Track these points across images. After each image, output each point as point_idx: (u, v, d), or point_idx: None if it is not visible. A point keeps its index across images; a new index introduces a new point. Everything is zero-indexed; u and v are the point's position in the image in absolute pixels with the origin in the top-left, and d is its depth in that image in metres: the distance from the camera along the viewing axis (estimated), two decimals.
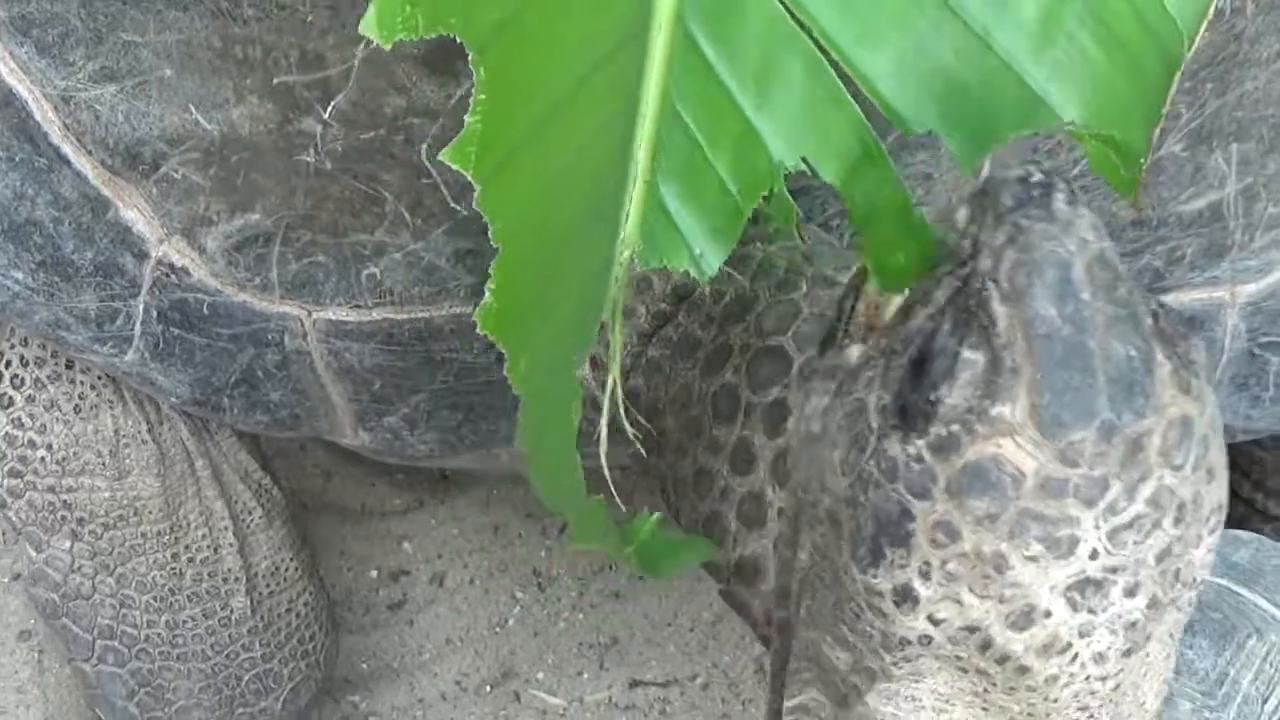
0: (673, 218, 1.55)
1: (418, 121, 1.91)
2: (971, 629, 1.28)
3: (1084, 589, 1.26)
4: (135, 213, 2.03)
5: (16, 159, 2.00)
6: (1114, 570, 1.26)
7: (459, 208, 1.97)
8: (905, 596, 1.28)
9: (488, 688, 2.69)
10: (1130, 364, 1.21)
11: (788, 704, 1.52)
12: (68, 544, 2.26)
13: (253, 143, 1.94)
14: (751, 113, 1.52)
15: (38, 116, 1.99)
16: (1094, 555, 1.24)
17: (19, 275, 2.03)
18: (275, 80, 1.92)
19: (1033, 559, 1.24)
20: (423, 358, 2.05)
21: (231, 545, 2.36)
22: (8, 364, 2.24)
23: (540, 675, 2.68)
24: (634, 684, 2.64)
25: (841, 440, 1.40)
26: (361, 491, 2.72)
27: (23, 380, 2.22)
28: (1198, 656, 1.74)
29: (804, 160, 1.51)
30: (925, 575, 1.27)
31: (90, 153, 1.99)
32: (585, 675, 2.70)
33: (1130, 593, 1.27)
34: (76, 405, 2.23)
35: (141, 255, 2.05)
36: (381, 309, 2.02)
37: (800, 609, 1.49)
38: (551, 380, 1.50)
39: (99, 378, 2.27)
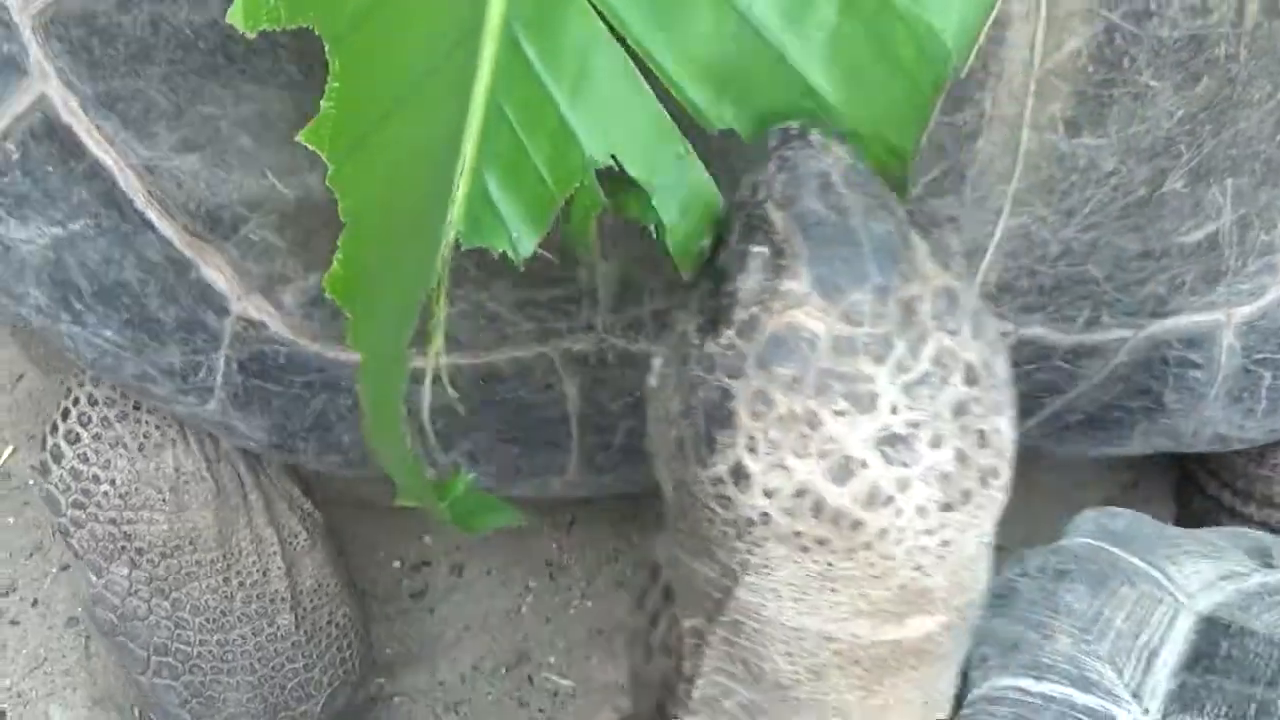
0: (494, 204, 1.61)
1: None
2: (800, 492, 1.34)
3: (893, 443, 1.34)
4: (216, 272, 2.03)
5: (104, 225, 2.00)
6: (915, 425, 1.34)
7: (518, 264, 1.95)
8: (739, 474, 1.36)
9: (503, 670, 2.73)
10: (890, 238, 1.35)
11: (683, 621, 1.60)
12: (126, 571, 2.27)
13: (327, 206, 1.93)
14: (567, 111, 1.59)
15: (123, 185, 1.99)
16: (894, 410, 1.33)
17: (108, 333, 2.03)
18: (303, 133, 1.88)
19: (840, 413, 1.32)
20: (484, 398, 2.04)
21: (279, 569, 2.37)
22: (75, 401, 2.23)
23: (552, 659, 2.73)
24: None
25: (673, 373, 1.50)
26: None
27: (90, 418, 2.21)
28: (1075, 599, 1.79)
29: (612, 157, 1.60)
30: (752, 449, 1.35)
31: (173, 218, 2.00)
32: (594, 659, 2.72)
33: (935, 444, 1.34)
34: (141, 444, 2.23)
35: (222, 311, 2.06)
36: (448, 355, 2.01)
37: (675, 545, 1.58)
38: (387, 344, 1.58)
39: (163, 418, 2.26)
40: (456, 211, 1.56)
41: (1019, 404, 2.24)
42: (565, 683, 2.71)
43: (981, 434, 1.37)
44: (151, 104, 1.95)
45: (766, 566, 1.41)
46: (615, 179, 1.62)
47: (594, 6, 1.54)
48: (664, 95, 1.57)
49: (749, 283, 1.36)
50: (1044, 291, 2.14)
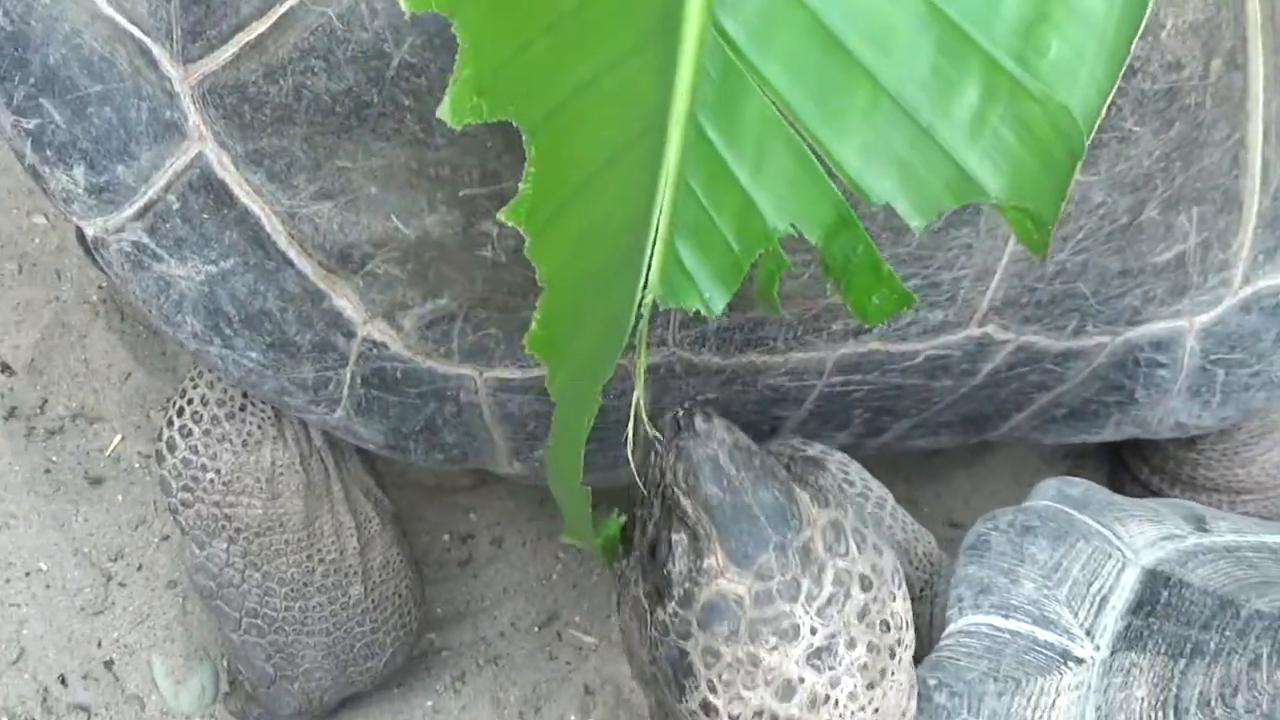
0: (687, 268, 1.63)
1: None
2: (759, 712, 1.48)
3: (819, 655, 1.47)
4: (345, 301, 2.08)
5: (251, 263, 2.05)
6: (832, 636, 1.47)
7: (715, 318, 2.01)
8: (707, 709, 1.50)
9: (536, 628, 2.76)
10: (776, 503, 1.47)
11: None
12: (225, 546, 2.33)
13: (442, 243, 2.01)
14: (749, 187, 1.60)
15: (268, 229, 2.05)
16: (814, 631, 1.47)
17: (253, 354, 2.09)
18: (461, 193, 1.99)
19: (774, 648, 1.46)
20: None
21: (354, 548, 2.41)
22: (190, 401, 2.28)
23: (578, 619, 2.74)
24: None
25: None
26: (437, 473, 2.76)
27: (201, 416, 2.26)
28: (1039, 551, 1.88)
29: (792, 225, 1.61)
30: (713, 689, 1.48)
31: (310, 255, 2.05)
32: (613, 619, 2.73)
33: (850, 646, 1.48)
34: (244, 440, 2.28)
35: (350, 334, 2.11)
36: (540, 367, 2.04)
37: None
38: (579, 392, 1.62)
39: (265, 418, 2.33)
40: (653, 275, 1.60)
41: (1015, 403, 2.31)
42: (589, 639, 2.74)
43: (884, 622, 1.53)
44: (293, 159, 2.02)
45: None
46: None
47: (766, 94, 1.55)
48: (832, 173, 1.58)
49: (678, 566, 1.49)
50: (1040, 305, 2.21)
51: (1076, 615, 1.75)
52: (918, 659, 1.74)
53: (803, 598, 1.45)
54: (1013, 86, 1.45)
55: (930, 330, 2.18)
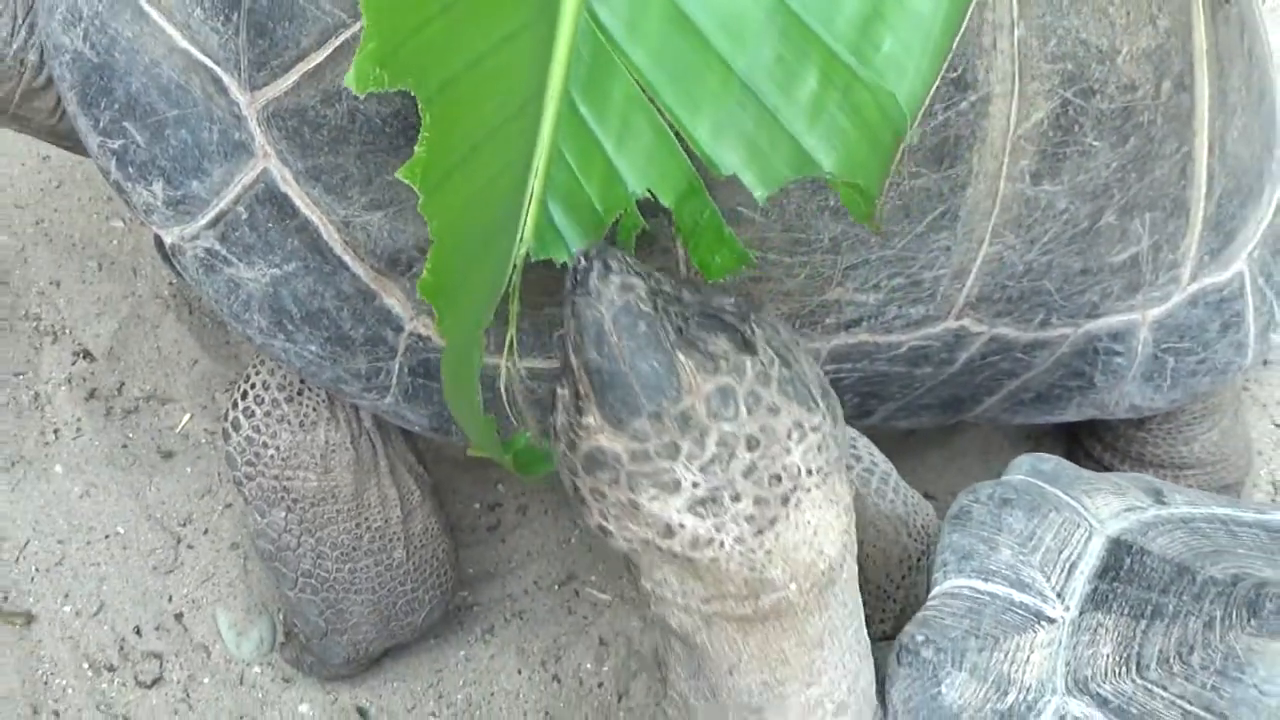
0: (557, 226, 1.66)
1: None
2: (646, 542, 1.44)
3: (703, 504, 1.41)
4: (394, 300, 2.09)
5: (310, 266, 2.06)
6: (716, 489, 1.41)
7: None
8: (603, 530, 1.47)
9: (556, 586, 2.75)
10: (653, 374, 1.39)
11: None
12: (283, 514, 2.34)
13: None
14: (613, 156, 1.64)
15: (325, 236, 2.05)
16: (695, 485, 1.41)
17: (313, 347, 2.10)
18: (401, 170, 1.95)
19: (654, 498, 1.41)
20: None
21: (398, 517, 2.43)
22: (252, 386, 2.30)
23: (593, 578, 2.74)
24: None
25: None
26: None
27: (263, 399, 2.28)
28: (1015, 521, 1.85)
29: (649, 190, 1.65)
30: (604, 517, 1.45)
31: (362, 260, 2.06)
32: (624, 579, 2.74)
33: (736, 499, 1.42)
34: (301, 421, 2.29)
35: (398, 329, 2.12)
36: (549, 359, 2.08)
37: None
38: (466, 334, 1.63)
39: (320, 401, 2.33)
40: (527, 231, 1.62)
41: (987, 388, 2.33)
42: (603, 596, 2.74)
43: (775, 476, 1.46)
44: (347, 174, 2.03)
45: (650, 567, 1.50)
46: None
47: (631, 75, 1.59)
48: (687, 147, 1.63)
49: (560, 419, 1.45)
50: (1011, 301, 2.21)
51: (1049, 579, 1.74)
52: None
53: (683, 457, 1.39)
54: (848, 76, 1.48)
55: (913, 324, 2.18)
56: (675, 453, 1.39)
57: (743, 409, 1.42)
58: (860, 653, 1.70)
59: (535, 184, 1.60)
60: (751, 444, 1.42)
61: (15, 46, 2.27)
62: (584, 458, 1.42)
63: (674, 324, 1.44)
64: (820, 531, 1.51)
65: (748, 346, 1.46)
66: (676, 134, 1.61)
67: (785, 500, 1.46)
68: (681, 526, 1.41)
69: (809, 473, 1.48)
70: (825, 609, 1.58)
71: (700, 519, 1.41)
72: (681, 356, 1.40)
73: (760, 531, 1.44)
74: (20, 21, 2.26)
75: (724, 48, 1.50)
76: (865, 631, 1.72)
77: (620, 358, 1.39)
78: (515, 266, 1.64)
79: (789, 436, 1.46)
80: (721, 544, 1.43)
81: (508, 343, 1.74)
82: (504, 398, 1.93)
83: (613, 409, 1.39)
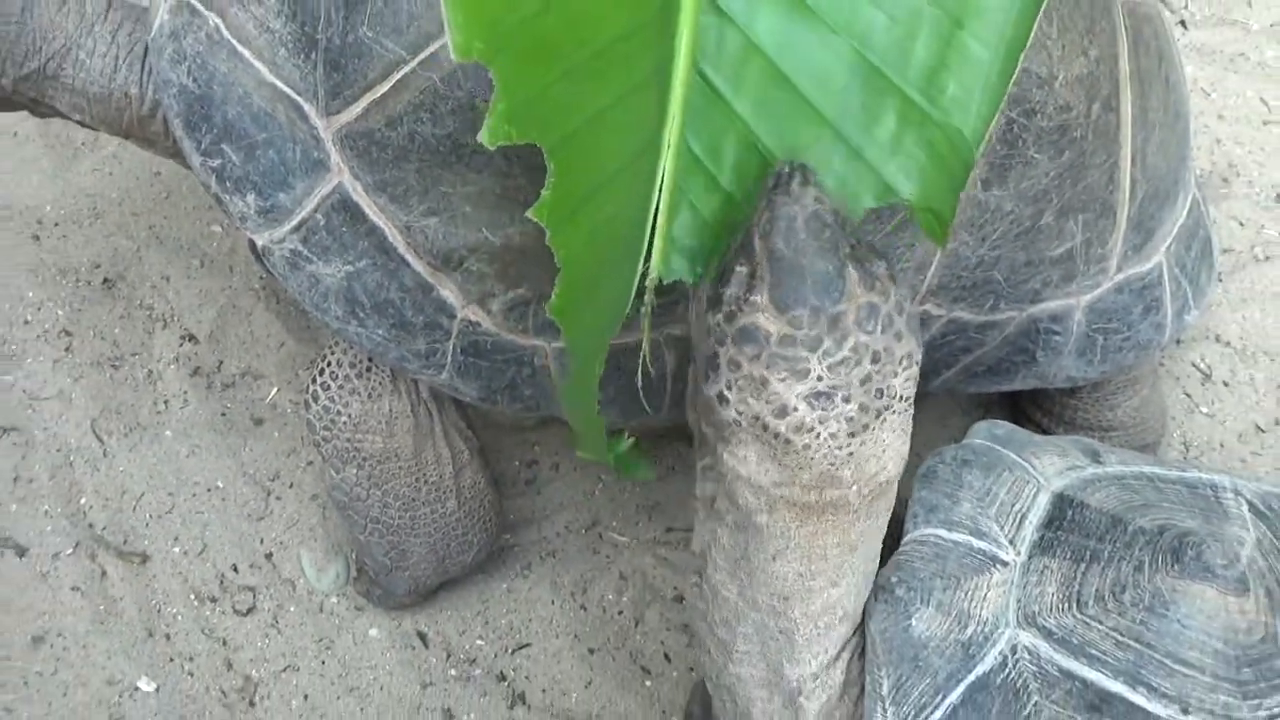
0: (682, 252, 1.61)
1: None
2: (756, 418, 1.44)
3: (817, 398, 1.41)
4: (448, 291, 2.07)
5: (378, 264, 2.05)
6: (834, 388, 1.41)
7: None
8: (721, 398, 1.45)
9: (583, 531, 2.71)
10: (825, 275, 1.39)
11: (700, 462, 1.66)
12: (354, 471, 2.32)
13: (520, 248, 2.01)
14: (729, 189, 1.58)
15: (390, 238, 2.04)
16: (819, 379, 1.41)
17: (380, 332, 2.08)
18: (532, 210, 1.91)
19: (783, 380, 1.40)
20: (613, 366, 2.06)
21: (450, 473, 2.42)
22: (328, 364, 2.29)
23: (615, 524, 2.72)
24: (668, 529, 2.69)
25: (696, 322, 1.56)
26: (511, 415, 2.75)
27: (337, 375, 2.27)
28: (974, 479, 1.85)
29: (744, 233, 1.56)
30: (729, 387, 1.44)
31: (421, 258, 2.05)
32: (640, 524, 2.71)
33: (846, 400, 1.42)
34: (369, 393, 2.28)
35: (451, 316, 2.10)
36: None
37: (693, 410, 1.66)
38: (590, 349, 1.62)
39: (385, 376, 2.31)
40: (654, 260, 1.60)
41: (946, 362, 2.30)
42: (622, 539, 2.70)
43: (880, 390, 1.45)
44: (408, 186, 2.01)
45: (739, 444, 1.49)
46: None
47: (738, 124, 1.55)
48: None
49: (730, 290, 1.42)
50: (965, 289, 2.19)
51: (1003, 528, 1.69)
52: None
53: (820, 352, 1.39)
54: (921, 116, 1.46)
55: None
56: (817, 346, 1.38)
57: (879, 327, 1.41)
58: (868, 575, 1.70)
59: (660, 219, 1.57)
60: (875, 358, 1.42)
61: (118, 81, 2.28)
62: (738, 330, 1.41)
63: (846, 240, 1.44)
64: (888, 451, 1.51)
65: (892, 278, 1.46)
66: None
67: (879, 415, 1.45)
68: (795, 410, 1.40)
69: (900, 399, 1.49)
70: (868, 518, 1.58)
71: (811, 409, 1.40)
72: (850, 268, 1.40)
73: (852, 434, 1.44)
74: (121, 60, 2.28)
75: (815, 98, 1.47)
76: (876, 563, 1.72)
77: (803, 253, 1.38)
78: (645, 288, 1.63)
79: (900, 362, 1.45)
80: (819, 435, 1.42)
81: (643, 354, 1.71)
82: (640, 395, 1.95)
83: (781, 295, 1.38)
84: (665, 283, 1.63)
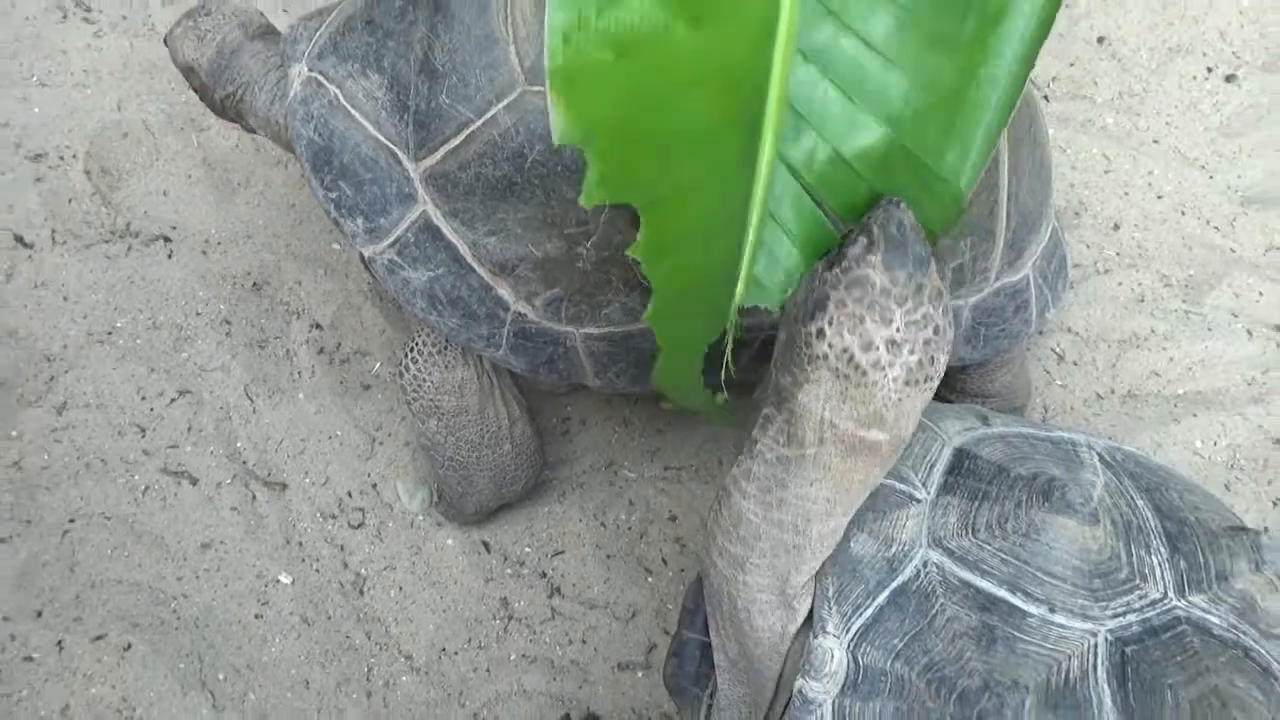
0: (763, 286, 1.57)
1: (629, 261, 1.84)
2: (845, 349, 1.35)
3: (892, 344, 1.34)
4: (503, 291, 2.04)
5: (452, 270, 2.03)
6: (905, 340, 1.34)
7: (645, 282, 1.91)
8: (819, 333, 1.36)
9: (603, 468, 2.66)
10: (921, 256, 1.34)
11: (764, 411, 1.54)
12: (435, 423, 2.28)
13: (556, 259, 1.97)
14: (794, 246, 1.54)
15: (461, 252, 2.01)
16: (898, 329, 1.34)
17: (454, 321, 2.05)
18: (565, 230, 1.92)
19: (876, 321, 1.33)
20: (625, 347, 2.07)
21: (506, 425, 2.36)
22: (415, 344, 2.22)
23: (626, 463, 2.67)
24: (665, 468, 2.64)
25: (804, 283, 1.47)
26: (550, 383, 2.70)
27: (423, 352, 2.23)
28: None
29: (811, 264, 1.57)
30: (830, 322, 1.35)
31: (484, 266, 2.01)
32: (645, 464, 2.64)
33: (911, 352, 1.35)
34: (446, 365, 2.25)
35: (506, 309, 2.07)
36: (610, 326, 2.01)
37: (777, 367, 1.54)
38: (688, 351, 1.62)
39: (457, 353, 2.26)
40: (739, 289, 1.57)
41: None
42: (632, 475, 2.65)
43: (932, 359, 1.38)
44: (474, 214, 1.97)
45: (817, 382, 1.39)
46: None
47: (808, 192, 1.51)
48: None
49: (853, 250, 1.34)
50: None
51: (917, 475, 1.64)
52: None
53: (905, 308, 1.32)
54: (931, 176, 1.42)
55: None
56: (903, 302, 1.33)
57: (940, 309, 1.37)
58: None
59: (745, 261, 1.54)
60: (936, 330, 1.37)
61: (274, 111, 2.31)
62: (852, 278, 1.34)
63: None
64: (913, 416, 1.44)
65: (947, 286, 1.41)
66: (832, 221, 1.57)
67: (920, 381, 1.39)
68: (876, 348, 1.34)
69: (933, 376, 1.41)
70: (882, 467, 1.50)
71: (887, 350, 1.34)
72: (935, 264, 1.38)
73: (906, 383, 1.37)
74: (276, 100, 2.31)
75: (865, 173, 1.43)
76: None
77: (907, 239, 1.34)
78: (736, 308, 1.61)
79: (946, 345, 1.41)
80: (885, 374, 1.36)
81: (725, 358, 1.70)
82: (723, 383, 1.89)
83: (889, 258, 1.32)
84: (747, 306, 1.60)
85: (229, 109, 2.44)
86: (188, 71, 2.43)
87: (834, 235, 1.51)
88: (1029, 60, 1.36)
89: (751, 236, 1.53)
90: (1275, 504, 2.56)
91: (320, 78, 2.09)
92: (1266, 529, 2.52)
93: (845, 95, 1.45)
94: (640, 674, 2.45)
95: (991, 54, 1.37)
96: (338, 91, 2.07)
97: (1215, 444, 2.63)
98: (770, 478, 1.54)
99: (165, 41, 2.41)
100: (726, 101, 1.36)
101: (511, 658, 2.46)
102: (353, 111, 2.05)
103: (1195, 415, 2.67)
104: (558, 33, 1.23)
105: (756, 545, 1.59)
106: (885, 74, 1.43)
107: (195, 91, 2.48)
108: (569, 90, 1.25)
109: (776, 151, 1.50)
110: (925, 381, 1.40)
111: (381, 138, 2.01)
